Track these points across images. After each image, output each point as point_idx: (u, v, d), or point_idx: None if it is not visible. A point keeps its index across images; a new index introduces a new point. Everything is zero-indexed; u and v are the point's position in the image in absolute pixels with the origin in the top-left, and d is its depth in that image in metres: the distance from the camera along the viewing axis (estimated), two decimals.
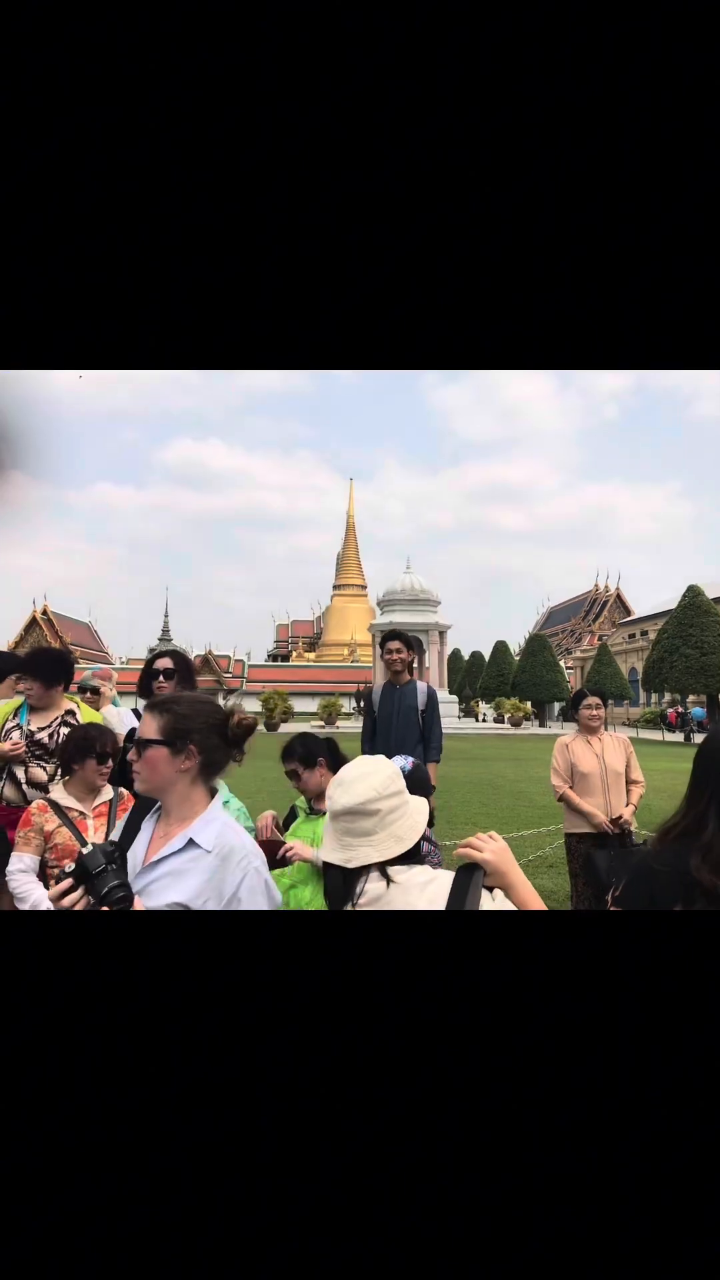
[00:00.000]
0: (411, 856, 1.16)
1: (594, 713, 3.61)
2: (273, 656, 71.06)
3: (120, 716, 3.39)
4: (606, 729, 3.95)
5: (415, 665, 33.60)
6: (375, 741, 4.08)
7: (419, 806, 1.19)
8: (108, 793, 2.34)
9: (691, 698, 25.34)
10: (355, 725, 28.49)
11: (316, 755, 2.22)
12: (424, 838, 1.19)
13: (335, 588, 71.29)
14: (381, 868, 1.13)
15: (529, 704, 33.53)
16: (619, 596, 60.74)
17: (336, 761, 2.26)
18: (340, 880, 1.14)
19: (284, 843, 2.13)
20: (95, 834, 2.23)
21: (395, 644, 4.09)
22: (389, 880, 1.12)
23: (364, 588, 69.88)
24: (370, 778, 1.15)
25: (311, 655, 68.09)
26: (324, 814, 2.27)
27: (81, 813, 2.25)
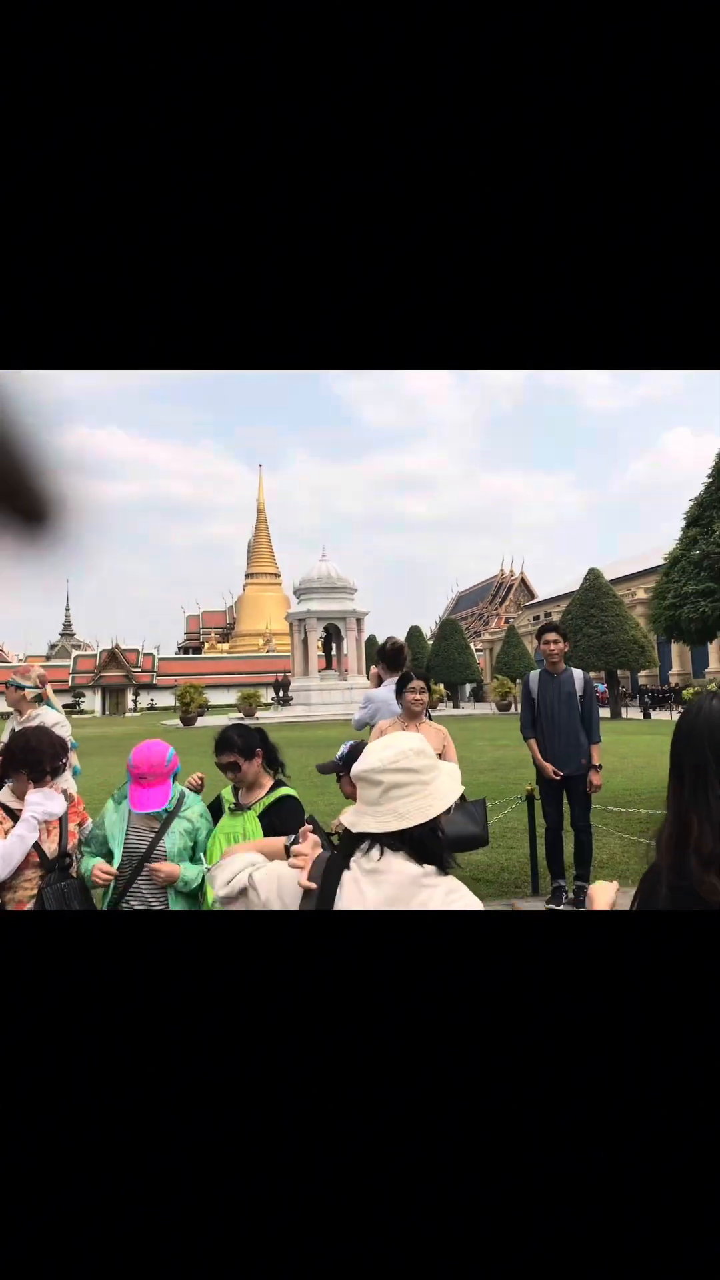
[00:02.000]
0: (424, 851, 1.14)
1: (417, 696, 3.44)
2: (184, 649, 69.15)
3: (51, 718, 3.21)
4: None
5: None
6: (537, 727, 4.30)
7: (441, 792, 1.15)
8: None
9: (593, 674, 26.95)
10: (276, 716, 28.35)
11: (254, 745, 2.20)
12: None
13: (248, 576, 70.12)
14: (381, 844, 1.13)
15: (442, 686, 34.45)
16: (523, 580, 63.32)
17: (269, 749, 2.25)
18: (349, 842, 1.17)
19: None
20: (49, 839, 2.12)
21: (552, 635, 4.26)
22: (382, 856, 1.13)
23: (278, 576, 69.15)
24: (385, 750, 1.16)
25: (225, 646, 66.81)
26: (248, 809, 2.26)
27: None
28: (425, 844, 1.14)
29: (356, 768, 1.18)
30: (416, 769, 1.14)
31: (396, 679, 3.67)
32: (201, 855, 2.21)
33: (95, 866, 2.08)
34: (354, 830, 1.16)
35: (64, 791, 2.25)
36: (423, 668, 36.38)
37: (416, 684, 3.44)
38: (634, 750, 11.92)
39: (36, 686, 3.42)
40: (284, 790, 2.22)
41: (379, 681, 4.07)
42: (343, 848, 1.21)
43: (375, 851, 1.14)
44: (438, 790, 1.16)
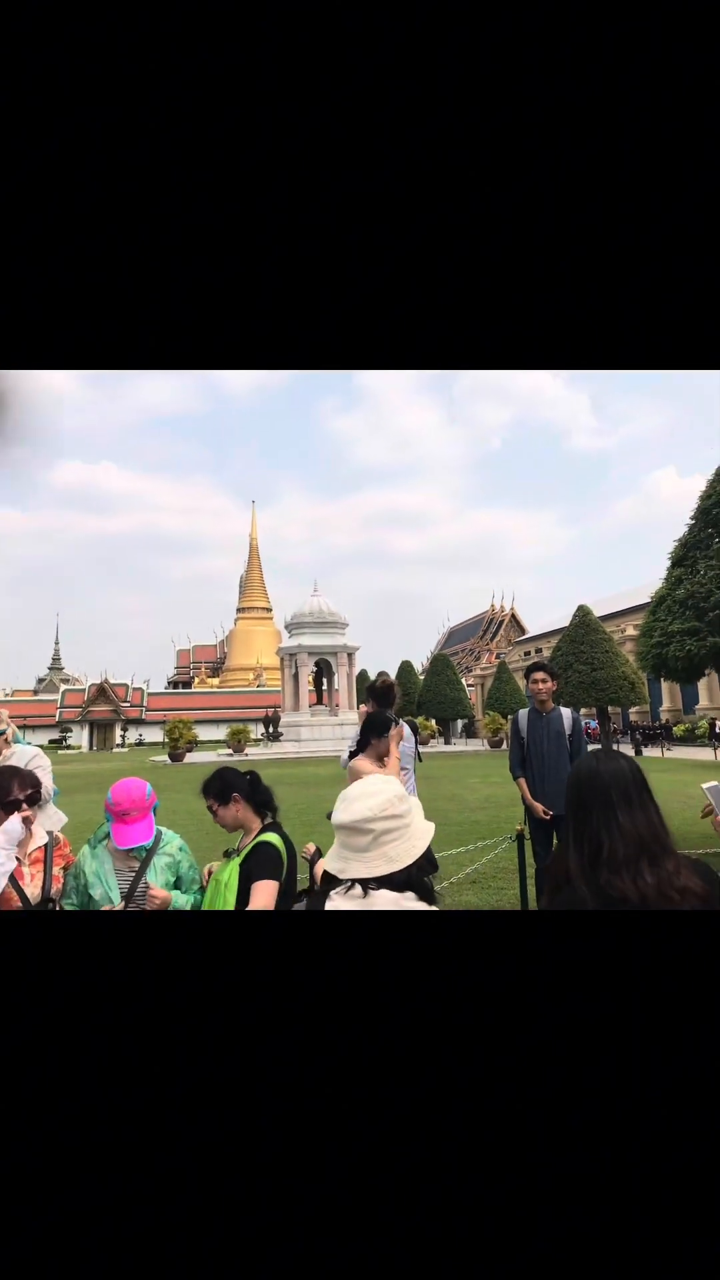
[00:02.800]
0: (417, 886, 1.19)
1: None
2: (174, 683, 68.82)
3: (26, 756, 3.11)
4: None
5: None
6: (527, 766, 4.32)
7: (421, 832, 1.24)
8: (41, 837, 2.15)
9: (584, 710, 26.98)
10: (265, 753, 28.13)
11: (230, 791, 2.17)
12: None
13: (239, 611, 70.32)
14: (364, 884, 1.18)
15: (434, 722, 34.33)
16: (514, 616, 63.89)
17: (256, 794, 2.20)
18: (330, 886, 1.22)
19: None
20: (31, 882, 2.04)
21: (541, 674, 4.23)
22: (366, 894, 1.17)
23: (269, 610, 69.41)
24: (372, 798, 1.21)
25: (215, 681, 66.55)
26: (236, 855, 2.24)
27: (17, 859, 2.05)
28: (412, 881, 1.18)
29: (344, 817, 1.21)
30: (401, 814, 1.21)
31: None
32: (195, 890, 2.20)
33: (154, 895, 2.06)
34: (342, 877, 1.19)
35: (50, 834, 2.17)
36: (414, 703, 36.44)
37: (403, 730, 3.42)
38: None
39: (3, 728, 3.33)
40: (264, 836, 2.16)
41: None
42: (323, 890, 1.25)
43: (358, 889, 1.18)
44: (417, 829, 1.23)
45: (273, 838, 2.14)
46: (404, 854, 1.18)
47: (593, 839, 1.10)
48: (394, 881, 1.18)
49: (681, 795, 10.89)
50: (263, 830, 2.18)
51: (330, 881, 1.23)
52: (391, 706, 3.81)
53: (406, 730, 3.79)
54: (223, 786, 2.16)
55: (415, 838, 1.21)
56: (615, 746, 25.02)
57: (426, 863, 1.21)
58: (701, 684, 29.57)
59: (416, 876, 1.20)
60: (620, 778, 1.15)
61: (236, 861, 2.12)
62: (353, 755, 3.76)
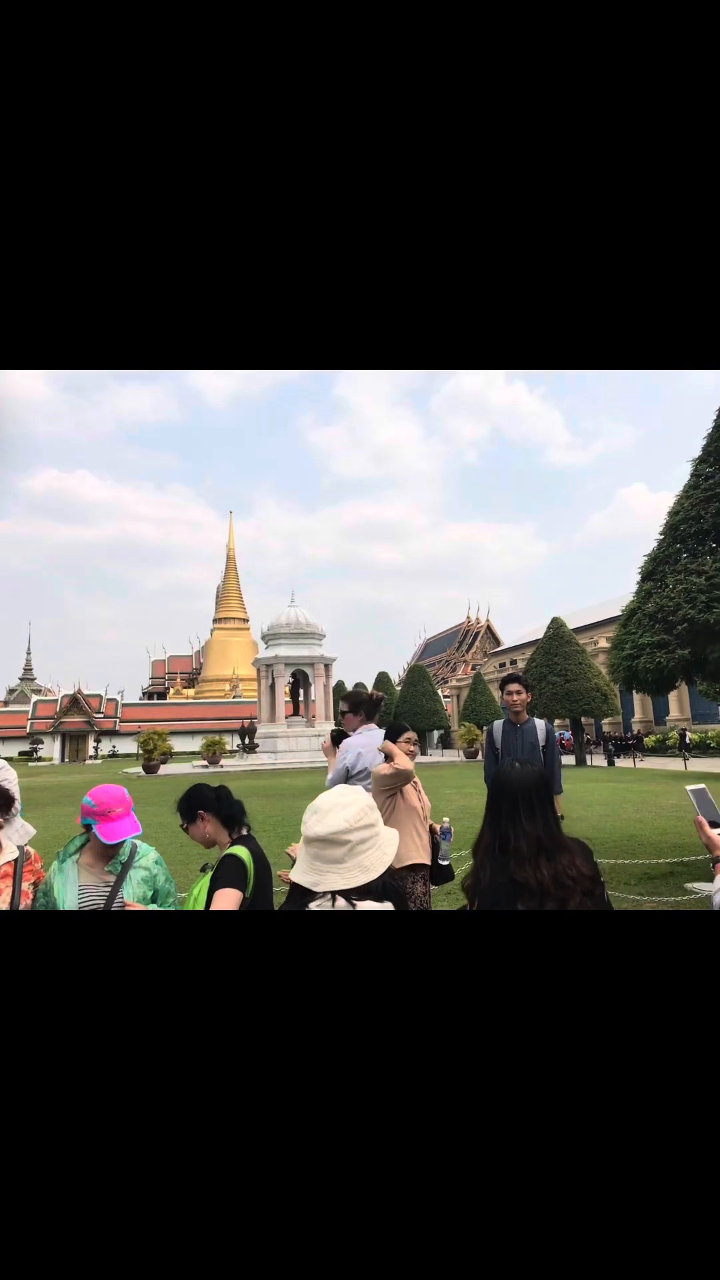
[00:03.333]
0: (392, 894, 1.20)
1: (410, 748, 3.41)
2: (149, 694, 67.77)
3: None
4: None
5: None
6: None
7: (389, 839, 1.25)
8: (11, 852, 2.13)
9: (558, 721, 27.19)
10: (242, 765, 27.76)
11: (196, 809, 2.19)
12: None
13: (216, 621, 69.64)
14: (347, 895, 1.17)
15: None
16: (489, 628, 64.22)
17: (224, 809, 2.22)
18: (302, 900, 1.21)
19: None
20: (0, 896, 2.00)
21: (515, 686, 4.24)
22: (351, 906, 1.16)
23: (246, 621, 68.84)
24: (345, 809, 1.22)
25: (191, 691, 65.72)
26: (211, 870, 2.24)
27: None
28: (387, 887, 1.19)
29: (319, 829, 1.20)
30: (373, 823, 1.22)
31: (367, 726, 3.61)
32: (172, 904, 2.19)
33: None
34: (318, 890, 1.18)
35: (20, 848, 2.15)
36: (391, 714, 36.37)
37: (410, 735, 3.38)
38: (598, 798, 11.97)
39: None
40: (230, 850, 2.17)
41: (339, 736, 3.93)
42: (290, 902, 1.25)
43: (341, 901, 1.17)
44: (386, 836, 1.24)
45: (239, 850, 2.15)
46: (377, 862, 1.20)
47: (503, 834, 1.32)
48: (373, 890, 1.19)
49: (653, 805, 11.04)
50: (232, 844, 2.20)
51: (303, 893, 1.23)
52: (375, 718, 3.81)
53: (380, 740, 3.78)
54: (187, 805, 2.18)
55: (386, 845, 1.24)
56: (588, 757, 25.05)
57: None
58: (672, 696, 29.99)
59: (390, 884, 1.22)
60: (526, 787, 1.38)
61: (207, 877, 2.12)
62: (342, 778, 3.70)
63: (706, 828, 1.53)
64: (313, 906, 1.20)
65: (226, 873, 2.06)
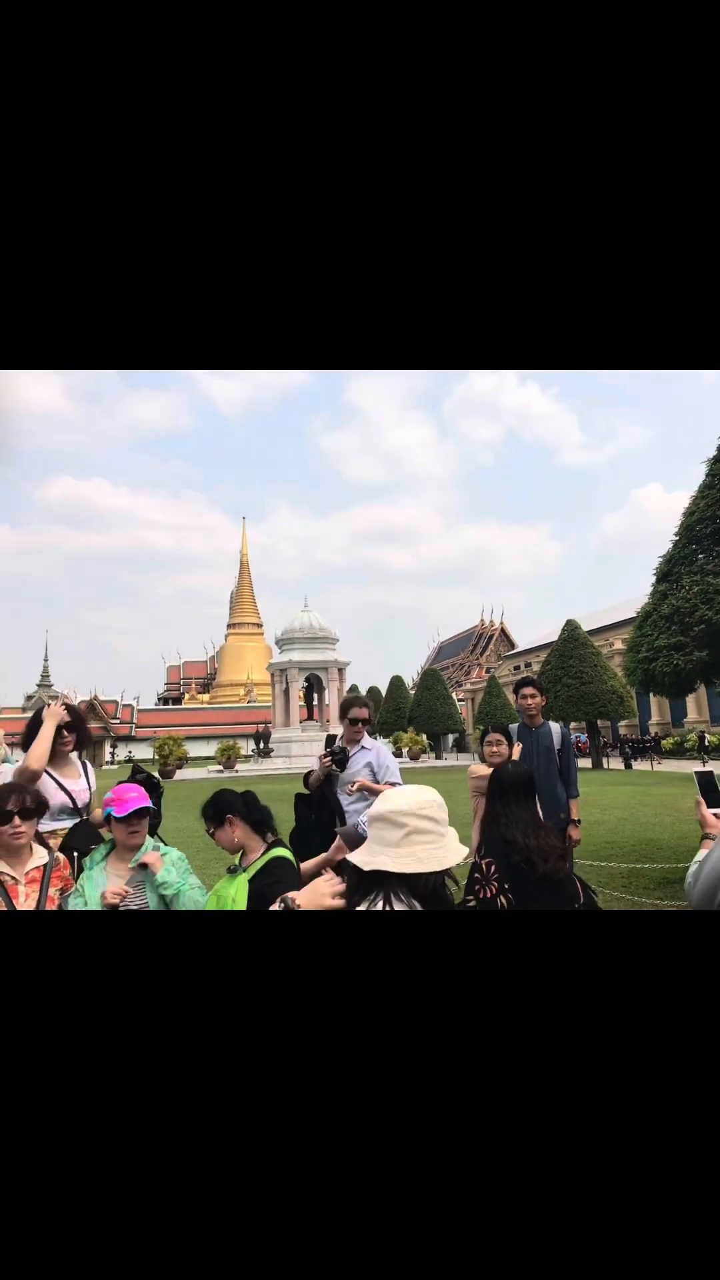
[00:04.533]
0: (434, 897, 1.16)
1: (495, 749, 3.78)
2: (164, 699, 68.20)
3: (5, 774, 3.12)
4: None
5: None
6: None
7: (455, 847, 1.22)
8: (41, 856, 2.16)
9: (573, 724, 27.01)
10: (257, 769, 27.80)
11: (225, 812, 2.18)
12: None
13: (230, 626, 69.97)
14: (393, 893, 1.14)
15: (424, 737, 34.21)
16: (503, 630, 63.91)
17: (253, 814, 2.21)
18: (354, 881, 1.19)
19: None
20: (26, 901, 2.03)
21: (529, 689, 4.30)
22: (390, 905, 1.13)
23: (260, 626, 69.09)
24: (410, 795, 1.21)
25: (206, 697, 66.01)
26: (243, 872, 2.24)
27: (14, 878, 2.06)
28: (438, 894, 1.16)
29: (379, 808, 1.21)
30: (438, 819, 1.20)
31: (359, 730, 3.69)
32: (193, 894, 2.26)
33: (108, 890, 2.10)
34: (366, 869, 1.16)
35: (50, 853, 2.19)
36: (405, 718, 36.21)
37: (494, 736, 3.71)
38: (615, 802, 11.84)
39: None
40: (275, 852, 2.17)
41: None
42: (350, 889, 1.22)
43: (380, 903, 1.15)
44: (451, 845, 1.21)
45: (284, 852, 2.14)
46: (433, 859, 1.16)
47: (499, 812, 2.11)
48: (420, 891, 1.15)
49: (672, 809, 10.88)
50: (271, 846, 2.19)
51: (357, 884, 1.19)
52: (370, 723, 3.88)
53: (387, 744, 3.89)
54: (215, 810, 2.17)
55: (448, 849, 1.19)
56: (605, 760, 24.79)
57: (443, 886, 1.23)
58: (690, 698, 29.67)
59: (442, 891, 1.17)
60: (517, 783, 2.21)
61: (245, 877, 2.10)
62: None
63: (704, 808, 1.58)
64: (360, 908, 1.16)
65: (285, 875, 2.05)
